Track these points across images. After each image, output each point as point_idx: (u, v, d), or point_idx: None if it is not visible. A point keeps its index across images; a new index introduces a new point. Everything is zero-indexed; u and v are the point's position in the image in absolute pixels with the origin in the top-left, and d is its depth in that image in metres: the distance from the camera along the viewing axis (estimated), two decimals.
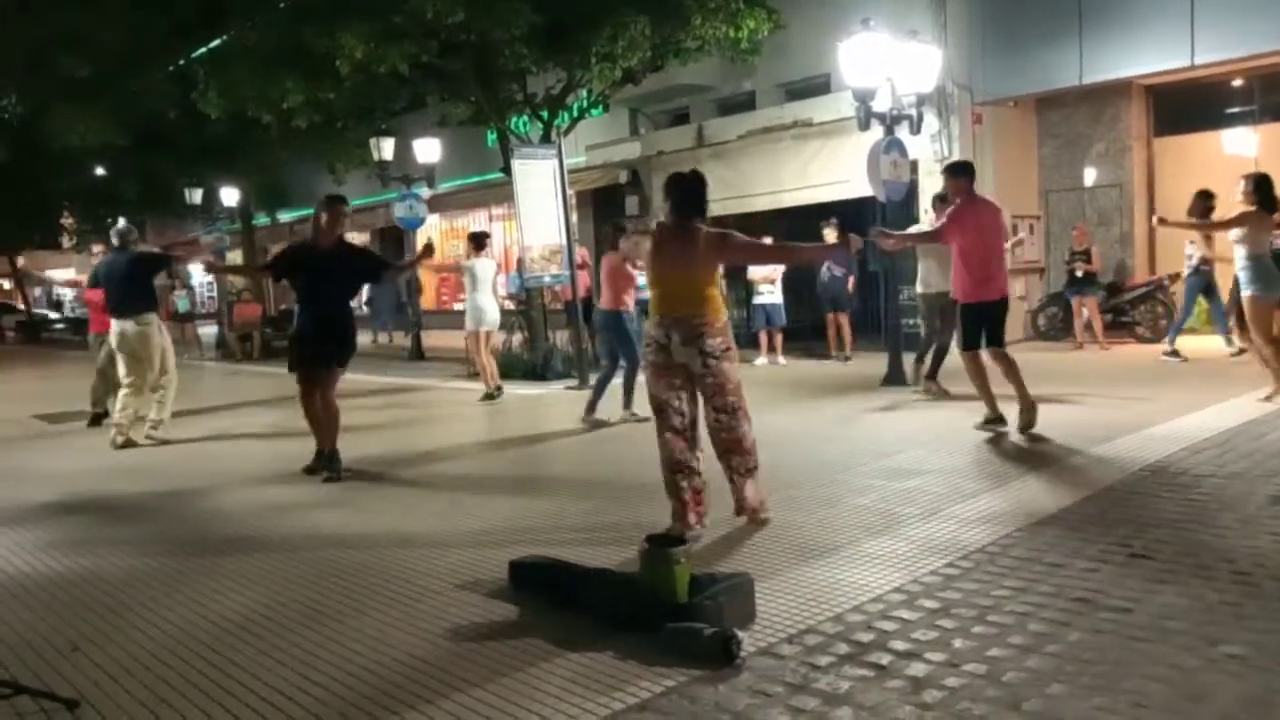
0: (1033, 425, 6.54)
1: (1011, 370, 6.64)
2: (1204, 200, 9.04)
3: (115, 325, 8.13)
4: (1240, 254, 7.43)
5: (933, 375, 8.71)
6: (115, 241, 8.46)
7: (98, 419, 9.35)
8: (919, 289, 9.05)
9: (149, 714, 3.00)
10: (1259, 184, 7.44)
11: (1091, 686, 2.80)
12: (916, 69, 9.98)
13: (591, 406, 8.13)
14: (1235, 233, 7.47)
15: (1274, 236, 10.73)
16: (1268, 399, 7.24)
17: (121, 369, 8.17)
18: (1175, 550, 3.96)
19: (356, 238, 27.25)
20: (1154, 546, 4.02)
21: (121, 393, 8.16)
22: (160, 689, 3.17)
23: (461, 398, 10.45)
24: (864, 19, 9.59)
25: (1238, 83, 12.59)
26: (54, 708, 3.01)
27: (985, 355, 6.79)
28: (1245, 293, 7.41)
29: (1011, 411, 6.63)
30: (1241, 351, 9.23)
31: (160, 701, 3.08)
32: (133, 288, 8.10)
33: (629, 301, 8.12)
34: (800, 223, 12.92)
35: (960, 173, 6.99)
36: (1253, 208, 7.37)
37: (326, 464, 6.48)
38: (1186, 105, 13.07)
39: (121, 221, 9.53)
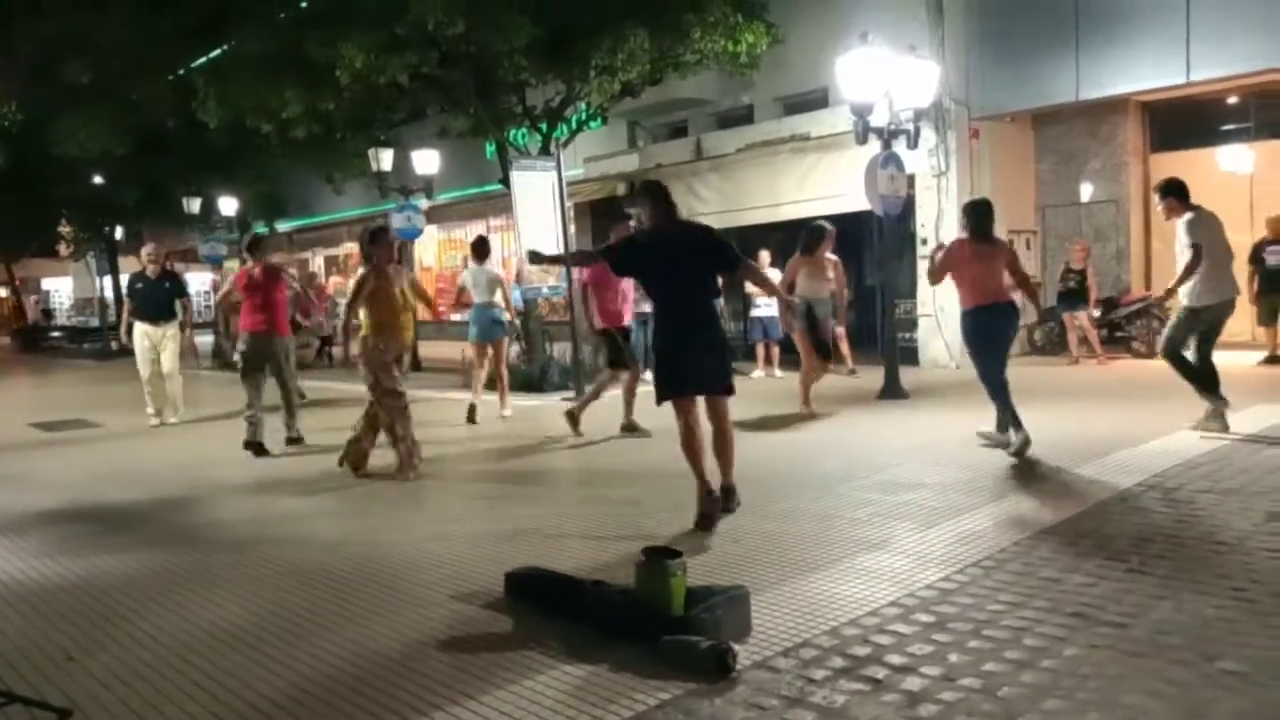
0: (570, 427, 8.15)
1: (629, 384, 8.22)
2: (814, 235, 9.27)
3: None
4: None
5: (1213, 389, 6.89)
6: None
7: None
8: (1191, 302, 6.87)
9: None
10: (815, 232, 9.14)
11: (1088, 701, 2.80)
12: (914, 84, 10.01)
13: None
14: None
15: (1271, 253, 10.92)
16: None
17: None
18: (1171, 566, 3.97)
19: (351, 249, 27.30)
20: (1150, 562, 4.02)
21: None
22: (154, 698, 3.16)
23: (460, 409, 10.42)
24: (862, 34, 9.63)
25: (1233, 100, 12.64)
26: (47, 717, 3.00)
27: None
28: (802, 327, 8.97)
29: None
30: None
31: (154, 711, 3.07)
32: None
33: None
34: (797, 236, 12.91)
35: (620, 218, 8.67)
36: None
37: (727, 501, 5.14)
38: (1183, 122, 13.10)
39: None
